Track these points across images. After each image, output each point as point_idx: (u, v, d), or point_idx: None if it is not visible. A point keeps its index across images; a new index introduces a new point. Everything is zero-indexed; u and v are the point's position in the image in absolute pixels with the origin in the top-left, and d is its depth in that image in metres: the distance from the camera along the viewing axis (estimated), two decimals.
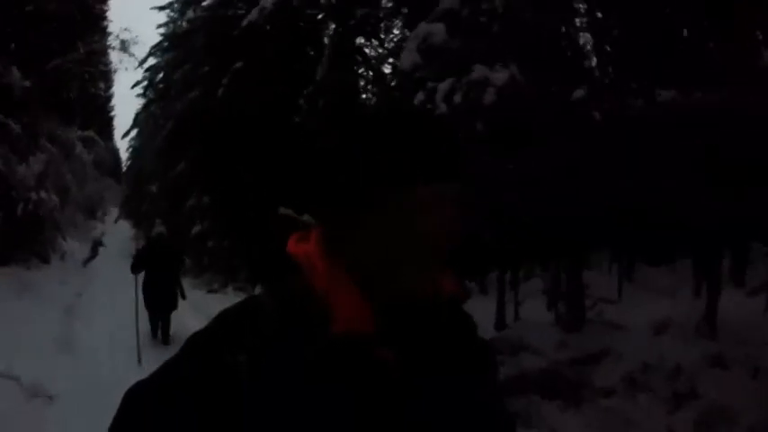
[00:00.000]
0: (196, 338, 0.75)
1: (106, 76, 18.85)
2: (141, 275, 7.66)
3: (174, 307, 7.83)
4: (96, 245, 18.49)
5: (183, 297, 8.04)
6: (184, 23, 14.52)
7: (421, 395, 0.72)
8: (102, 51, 15.17)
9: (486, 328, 6.31)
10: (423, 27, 5.24)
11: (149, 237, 9.26)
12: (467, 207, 0.73)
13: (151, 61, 17.11)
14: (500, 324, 6.43)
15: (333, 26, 9.78)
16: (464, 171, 0.75)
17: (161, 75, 17.53)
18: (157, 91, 18.17)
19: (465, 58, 4.92)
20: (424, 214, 0.70)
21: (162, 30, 16.48)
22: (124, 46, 14.24)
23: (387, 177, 0.70)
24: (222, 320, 0.75)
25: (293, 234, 0.80)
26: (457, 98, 4.75)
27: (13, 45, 11.08)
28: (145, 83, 17.61)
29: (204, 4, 13.28)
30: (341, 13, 8.04)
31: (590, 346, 5.06)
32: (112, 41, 14.99)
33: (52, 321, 7.90)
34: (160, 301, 7.59)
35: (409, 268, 0.71)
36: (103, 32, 15.12)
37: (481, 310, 6.63)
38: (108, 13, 15.24)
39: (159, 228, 8.57)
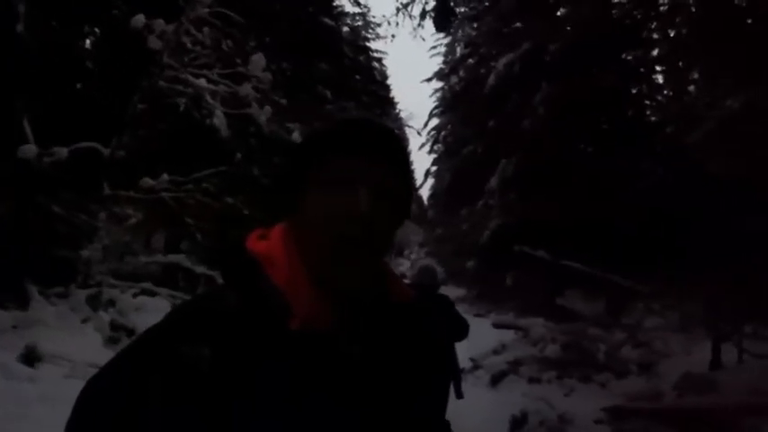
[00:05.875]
0: (151, 332, 0.73)
1: (403, 140, 23.17)
2: None
3: None
4: (402, 277, 22.47)
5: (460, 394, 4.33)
6: (448, 88, 17.23)
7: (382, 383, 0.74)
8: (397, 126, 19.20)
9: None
10: None
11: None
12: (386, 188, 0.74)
13: (434, 122, 20.42)
14: (715, 364, 5.85)
15: None
16: (393, 156, 0.77)
17: (443, 133, 20.63)
18: (445, 145, 21.29)
19: None
20: (336, 192, 0.72)
21: (437, 94, 19.65)
22: (404, 122, 17.65)
23: (307, 157, 0.76)
24: (180, 314, 0.73)
25: (253, 232, 0.80)
26: None
27: None
28: (430, 142, 20.99)
29: (461, 73, 15.51)
30: None
31: None
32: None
33: None
34: None
35: (333, 246, 0.71)
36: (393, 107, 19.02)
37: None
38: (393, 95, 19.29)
39: (425, 261, 5.97)
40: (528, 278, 10.89)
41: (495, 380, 7.95)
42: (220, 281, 0.81)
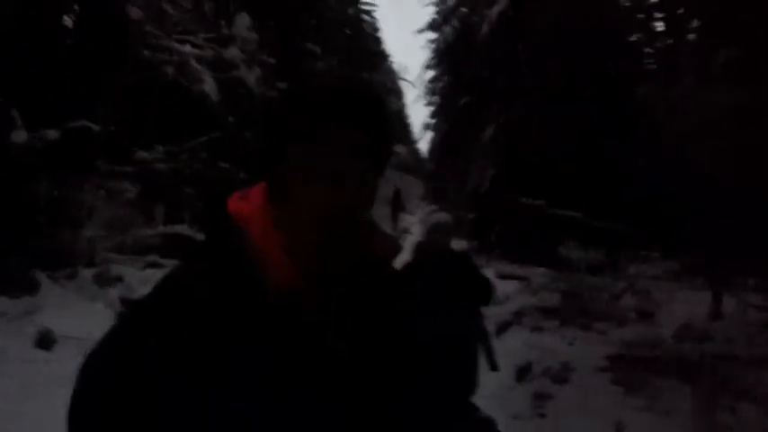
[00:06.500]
0: (140, 304, 0.73)
1: (397, 93, 22.62)
2: None
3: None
4: (403, 231, 22.66)
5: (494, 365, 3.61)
6: (442, 38, 16.80)
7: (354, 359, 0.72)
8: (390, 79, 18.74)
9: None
10: None
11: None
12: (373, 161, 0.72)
13: (429, 74, 20.00)
14: (715, 314, 5.96)
15: None
16: (380, 127, 0.73)
17: (438, 85, 20.22)
18: (441, 97, 20.92)
19: None
20: (322, 164, 0.69)
21: (431, 46, 19.12)
22: (398, 75, 17.23)
23: (294, 128, 0.71)
24: (166, 284, 0.74)
25: (234, 192, 0.79)
26: None
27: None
28: (426, 94, 20.62)
29: (454, 23, 15.07)
30: None
31: None
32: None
33: None
34: None
35: (318, 220, 0.70)
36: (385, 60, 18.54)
37: None
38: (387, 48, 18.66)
39: (437, 215, 4.06)
40: (528, 228, 10.97)
41: (500, 330, 8.10)
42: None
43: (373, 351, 0.75)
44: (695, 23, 4.90)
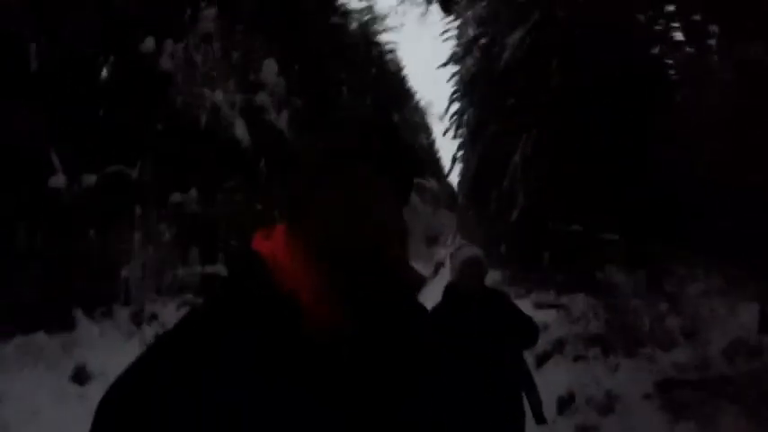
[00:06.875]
0: (161, 338, 0.74)
1: (426, 129, 22.86)
2: None
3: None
4: (438, 266, 22.42)
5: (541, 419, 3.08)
6: (465, 70, 17.03)
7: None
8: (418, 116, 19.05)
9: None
10: None
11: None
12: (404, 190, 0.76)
13: (455, 106, 20.17)
14: (764, 327, 5.61)
15: None
16: (405, 158, 0.78)
17: (464, 117, 20.35)
18: (468, 128, 21.03)
19: None
20: (364, 189, 0.72)
21: (455, 78, 19.39)
22: (424, 111, 17.47)
23: (329, 158, 0.75)
24: (188, 319, 0.75)
25: (258, 231, 0.80)
26: None
27: None
28: (453, 127, 20.75)
29: (475, 54, 15.28)
30: None
31: None
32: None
33: None
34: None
35: (362, 247, 0.71)
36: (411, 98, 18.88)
37: None
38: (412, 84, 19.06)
39: (468, 249, 3.44)
40: (565, 254, 10.70)
41: (540, 361, 7.81)
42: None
43: (384, 381, 0.74)
44: (714, 29, 4.86)
